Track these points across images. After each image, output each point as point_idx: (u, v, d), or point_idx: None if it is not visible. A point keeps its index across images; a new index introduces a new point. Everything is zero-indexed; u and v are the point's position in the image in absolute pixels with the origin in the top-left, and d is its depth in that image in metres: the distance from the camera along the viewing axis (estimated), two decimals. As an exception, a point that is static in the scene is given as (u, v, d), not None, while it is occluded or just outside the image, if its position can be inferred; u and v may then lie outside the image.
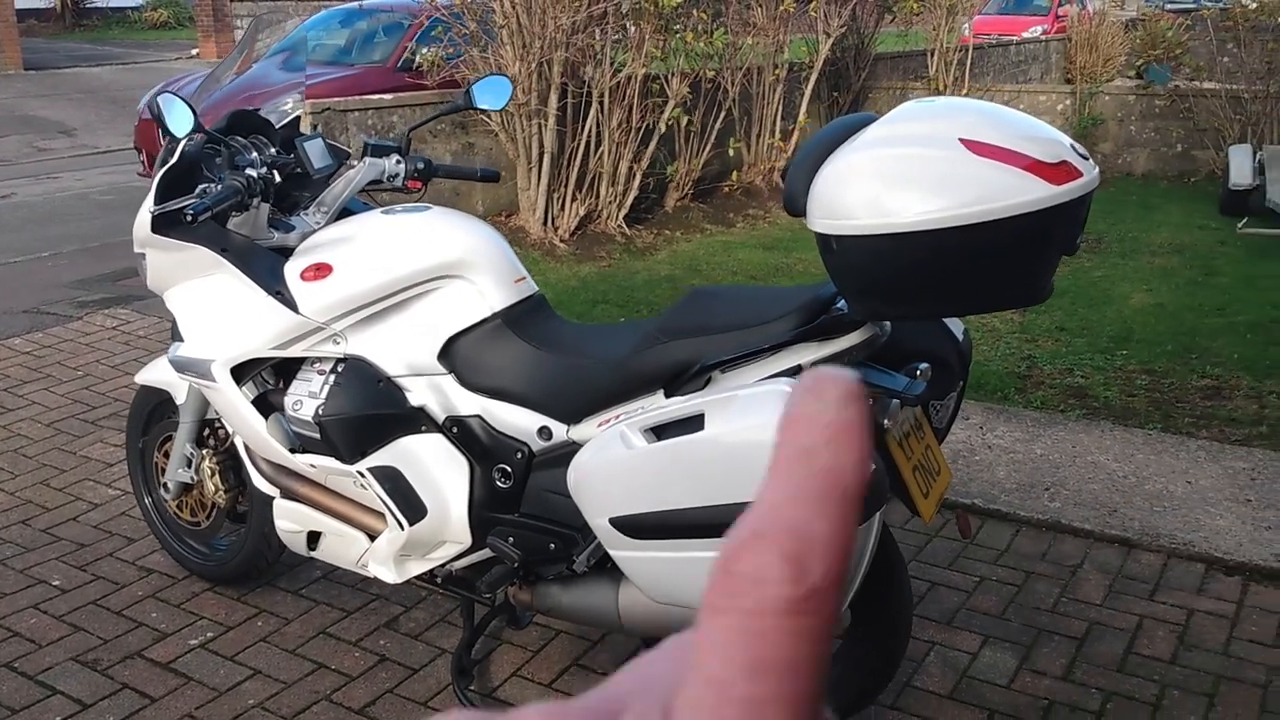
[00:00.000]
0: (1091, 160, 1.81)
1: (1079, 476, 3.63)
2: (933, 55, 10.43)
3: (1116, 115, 9.98)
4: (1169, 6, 20.43)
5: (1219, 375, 4.62)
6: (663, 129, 7.26)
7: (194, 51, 19.72)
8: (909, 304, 1.85)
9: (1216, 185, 8.63)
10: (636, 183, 7.24)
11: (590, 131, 6.91)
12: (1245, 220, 7.55)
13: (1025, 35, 17.04)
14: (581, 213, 7.03)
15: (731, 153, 8.13)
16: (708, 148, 7.88)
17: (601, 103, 6.87)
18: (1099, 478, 3.61)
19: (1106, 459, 3.75)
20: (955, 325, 2.24)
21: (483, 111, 3.34)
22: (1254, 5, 9.82)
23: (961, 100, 1.91)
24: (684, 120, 7.38)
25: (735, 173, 8.48)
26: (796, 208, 1.89)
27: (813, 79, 8.97)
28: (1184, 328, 5.31)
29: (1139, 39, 15.64)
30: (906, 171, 1.76)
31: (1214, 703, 2.54)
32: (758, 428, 1.84)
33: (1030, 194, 1.71)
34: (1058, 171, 1.73)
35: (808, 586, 0.26)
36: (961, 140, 1.74)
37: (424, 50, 7.32)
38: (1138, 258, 6.82)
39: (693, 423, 1.92)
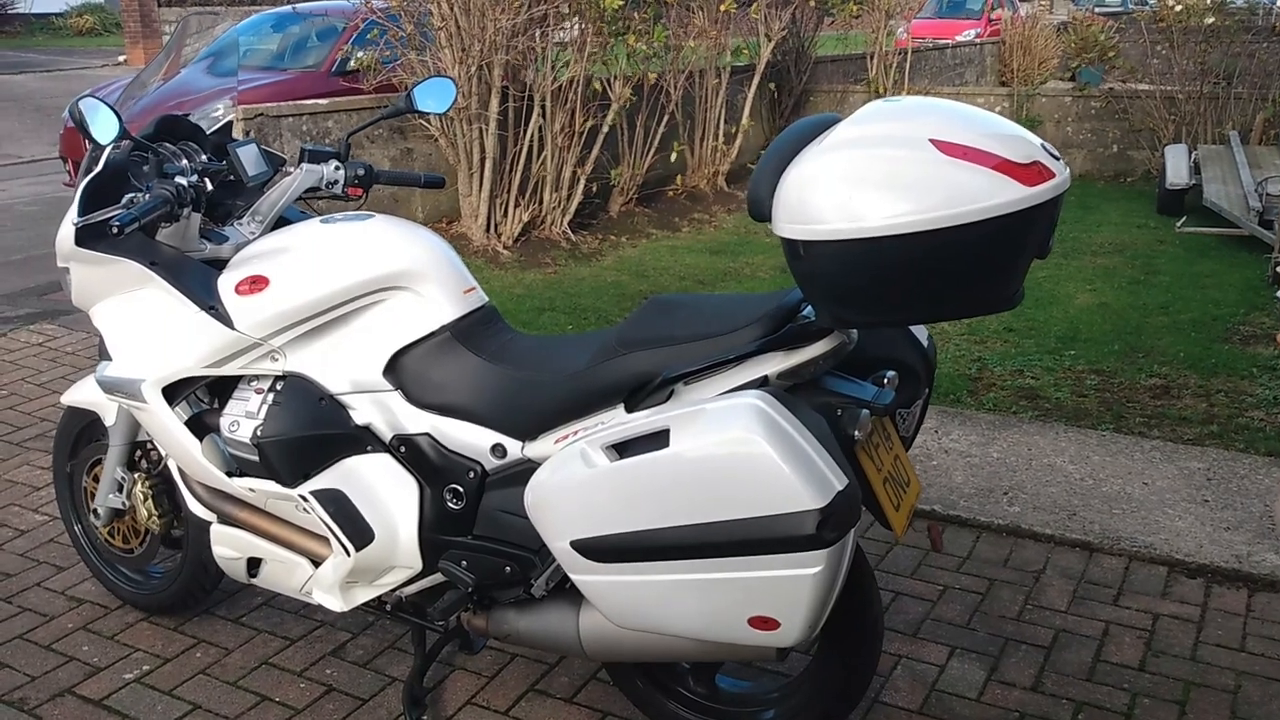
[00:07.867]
0: (1063, 160, 1.75)
1: (1036, 480, 3.59)
2: (872, 59, 10.47)
3: (1053, 117, 10.08)
4: (1098, 10, 20.82)
5: (1167, 374, 4.63)
6: (605, 130, 7.17)
7: (122, 58, 19.30)
8: (880, 311, 1.77)
9: (1153, 185, 8.75)
10: (580, 188, 7.15)
11: (532, 136, 6.80)
12: (1183, 219, 7.65)
13: (959, 39, 17.25)
14: (525, 219, 6.92)
15: (675, 156, 8.07)
16: (651, 152, 7.81)
17: (544, 106, 6.77)
18: (1056, 480, 3.58)
19: (1062, 461, 3.72)
20: (920, 331, 2.18)
21: (424, 115, 3.23)
22: (1179, 8, 9.97)
23: (930, 100, 1.84)
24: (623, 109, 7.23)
25: (679, 176, 8.43)
26: (762, 212, 1.81)
27: (755, 82, 8.95)
28: (1129, 327, 5.33)
29: (1072, 42, 15.90)
30: (876, 173, 1.68)
31: (1185, 710, 2.50)
32: (726, 443, 1.75)
33: (1003, 195, 1.64)
34: (1030, 172, 1.67)
35: None
36: (932, 140, 1.67)
37: (359, 53, 7.16)
38: (1080, 258, 6.87)
39: (657, 439, 1.82)
